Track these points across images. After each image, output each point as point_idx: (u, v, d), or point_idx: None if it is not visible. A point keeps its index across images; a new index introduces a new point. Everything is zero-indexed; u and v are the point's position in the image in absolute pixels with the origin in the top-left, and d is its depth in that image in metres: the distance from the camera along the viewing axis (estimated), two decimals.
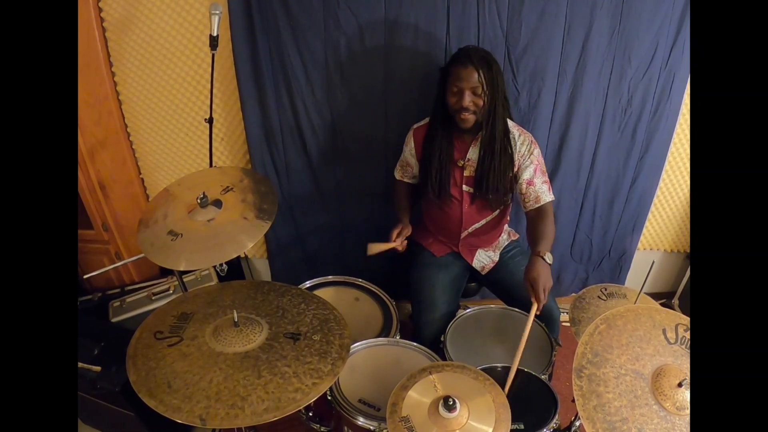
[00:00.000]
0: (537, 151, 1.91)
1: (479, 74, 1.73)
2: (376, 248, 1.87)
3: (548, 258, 1.72)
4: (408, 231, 1.97)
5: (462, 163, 1.92)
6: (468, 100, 1.75)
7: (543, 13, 1.98)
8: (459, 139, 1.92)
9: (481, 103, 1.77)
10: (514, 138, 1.89)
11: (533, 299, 1.66)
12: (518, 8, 1.97)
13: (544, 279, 1.67)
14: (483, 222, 2.02)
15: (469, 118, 1.79)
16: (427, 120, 1.98)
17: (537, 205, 1.91)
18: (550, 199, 1.92)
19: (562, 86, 2.12)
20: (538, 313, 1.68)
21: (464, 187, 1.95)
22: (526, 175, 1.89)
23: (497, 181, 1.88)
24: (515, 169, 1.90)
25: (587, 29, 2.01)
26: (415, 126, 2.02)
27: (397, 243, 1.91)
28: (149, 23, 2.08)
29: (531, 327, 1.82)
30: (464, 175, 1.93)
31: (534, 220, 1.90)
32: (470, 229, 2.03)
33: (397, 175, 2.16)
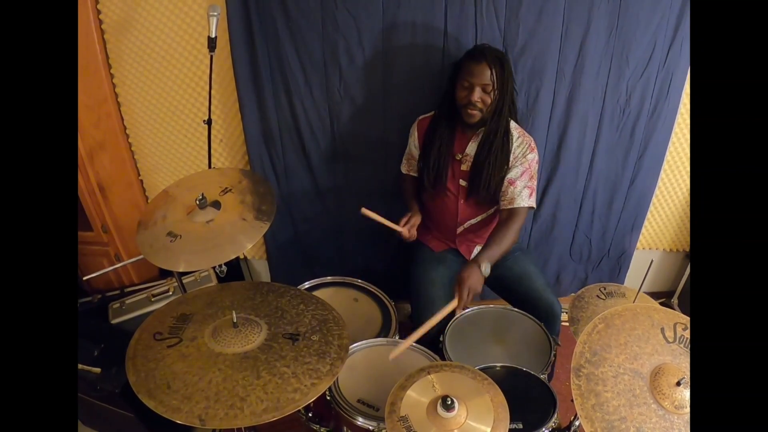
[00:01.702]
0: (532, 156, 1.91)
1: (492, 72, 1.76)
2: (374, 215, 1.91)
3: (484, 268, 1.71)
4: (417, 219, 2.00)
5: (460, 156, 1.93)
6: (477, 95, 1.78)
7: (540, 13, 1.98)
8: (460, 133, 1.94)
9: (489, 100, 1.80)
10: (513, 139, 1.89)
11: (456, 296, 1.67)
12: (516, 9, 1.97)
13: (472, 282, 1.67)
14: (479, 218, 2.04)
15: (476, 114, 1.82)
16: (433, 112, 2.01)
17: (510, 207, 1.90)
18: (526, 205, 1.90)
19: (560, 86, 2.12)
20: (457, 312, 1.74)
21: (460, 182, 1.96)
22: (510, 175, 1.90)
23: (490, 178, 1.89)
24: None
25: (585, 29, 2.01)
26: (421, 117, 2.05)
27: (404, 229, 1.94)
28: (148, 25, 2.08)
29: (528, 326, 1.84)
30: (461, 168, 1.95)
31: (500, 222, 1.93)
32: (466, 225, 2.04)
33: (404, 169, 2.18)
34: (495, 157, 1.87)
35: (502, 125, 1.86)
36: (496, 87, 1.78)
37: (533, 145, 1.92)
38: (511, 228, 1.86)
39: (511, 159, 1.90)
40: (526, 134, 1.94)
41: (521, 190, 1.89)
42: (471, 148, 1.92)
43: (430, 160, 1.96)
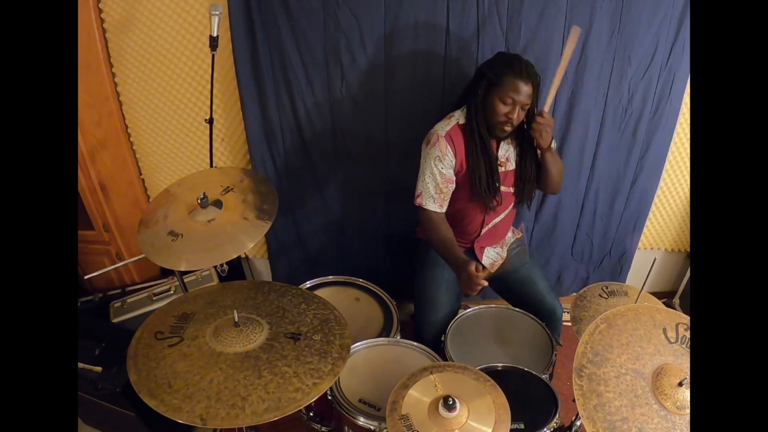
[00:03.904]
0: None
1: (532, 91, 1.73)
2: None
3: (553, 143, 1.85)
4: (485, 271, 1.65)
5: (501, 161, 1.90)
6: (516, 114, 1.74)
7: (543, 13, 1.98)
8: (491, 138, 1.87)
9: (523, 116, 1.78)
10: None
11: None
12: (518, 8, 1.97)
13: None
14: (502, 216, 2.02)
15: (510, 130, 1.79)
16: (450, 122, 1.86)
17: None
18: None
19: (562, 86, 2.11)
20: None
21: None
22: None
23: (533, 174, 1.91)
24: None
25: (587, 29, 2.00)
26: (443, 132, 1.82)
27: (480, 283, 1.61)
28: (149, 24, 2.08)
29: (529, 326, 1.87)
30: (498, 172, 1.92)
31: None
32: (490, 225, 2.02)
33: (436, 206, 1.85)
34: (533, 154, 1.88)
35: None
36: (531, 104, 1.77)
37: None
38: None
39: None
40: None
41: None
42: (503, 151, 1.89)
43: (480, 173, 1.83)
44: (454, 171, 1.85)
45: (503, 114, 1.74)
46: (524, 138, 1.86)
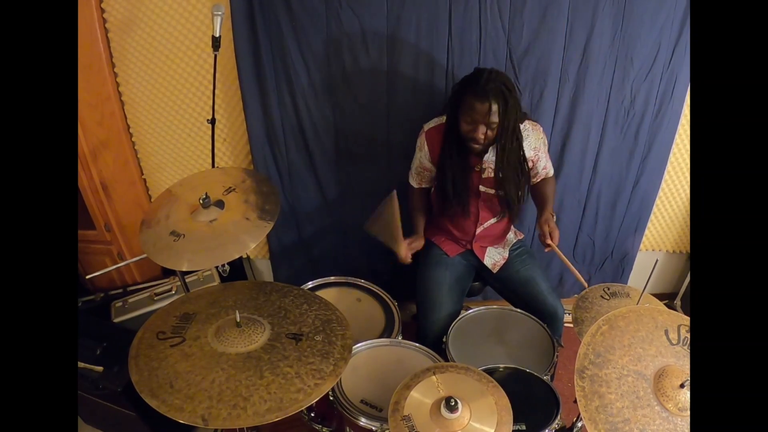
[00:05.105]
0: (544, 135, 1.99)
1: (497, 109, 1.69)
2: (379, 228, 1.84)
3: (554, 217, 1.89)
4: (420, 244, 1.96)
5: (479, 167, 1.90)
6: (481, 133, 1.73)
7: (545, 13, 1.98)
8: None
9: (493, 134, 1.76)
10: (528, 134, 1.90)
11: (548, 239, 1.80)
12: (520, 8, 1.97)
13: (554, 227, 1.83)
14: (495, 219, 2.03)
15: (478, 147, 1.80)
16: (438, 121, 1.93)
17: (545, 177, 2.05)
18: (553, 173, 2.07)
19: (564, 87, 2.12)
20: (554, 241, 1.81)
21: (481, 188, 1.94)
22: (542, 163, 2.00)
23: (516, 179, 1.91)
24: (531, 165, 1.94)
25: (589, 30, 2.00)
26: (427, 128, 1.96)
27: (405, 253, 1.87)
28: (152, 24, 2.08)
29: (530, 327, 1.84)
30: (482, 177, 1.92)
31: (542, 186, 2.02)
32: (486, 225, 2.03)
33: (414, 183, 2.08)
34: (516, 167, 1.87)
35: (514, 138, 1.82)
36: (499, 121, 1.71)
37: (538, 125, 1.98)
38: (552, 186, 2.03)
39: (534, 153, 1.94)
40: (533, 123, 1.96)
41: (547, 163, 2.03)
42: (489, 156, 1.88)
43: (448, 174, 1.90)
44: (432, 163, 1.98)
45: (466, 132, 1.76)
46: (503, 151, 1.83)
